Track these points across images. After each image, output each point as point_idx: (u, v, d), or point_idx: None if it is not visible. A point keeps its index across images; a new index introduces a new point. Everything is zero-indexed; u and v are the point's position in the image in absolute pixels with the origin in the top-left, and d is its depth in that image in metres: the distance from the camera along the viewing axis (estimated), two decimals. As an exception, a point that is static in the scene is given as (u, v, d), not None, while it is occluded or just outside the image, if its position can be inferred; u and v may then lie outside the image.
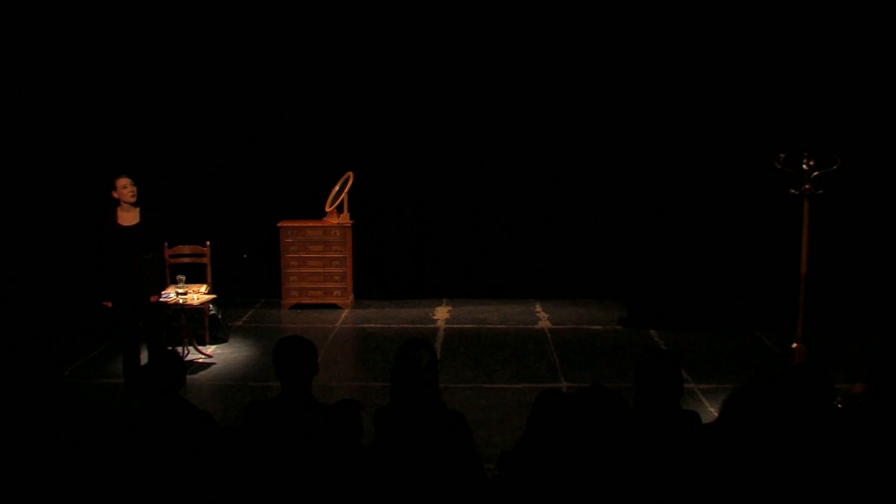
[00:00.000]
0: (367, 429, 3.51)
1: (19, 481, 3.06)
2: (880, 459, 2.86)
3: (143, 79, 8.78)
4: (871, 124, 7.83)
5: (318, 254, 8.90)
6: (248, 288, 9.23)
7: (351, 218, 9.00)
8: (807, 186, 6.30)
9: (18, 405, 3.27)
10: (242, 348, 7.51)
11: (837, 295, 7.76)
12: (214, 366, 7.02)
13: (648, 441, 3.04)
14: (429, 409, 3.32)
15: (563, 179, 9.10)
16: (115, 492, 3.12)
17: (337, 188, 8.92)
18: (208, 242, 7.77)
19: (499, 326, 8.20)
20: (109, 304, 6.09)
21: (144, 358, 6.20)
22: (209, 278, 7.69)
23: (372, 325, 8.31)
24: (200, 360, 7.11)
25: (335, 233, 8.88)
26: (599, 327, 8.16)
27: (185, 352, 7.14)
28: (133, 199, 6.06)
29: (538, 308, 8.91)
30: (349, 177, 8.87)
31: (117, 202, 6.08)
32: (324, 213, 9.00)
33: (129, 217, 6.08)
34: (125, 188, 6.03)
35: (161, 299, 6.50)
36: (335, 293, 8.94)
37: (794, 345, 6.47)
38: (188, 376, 6.39)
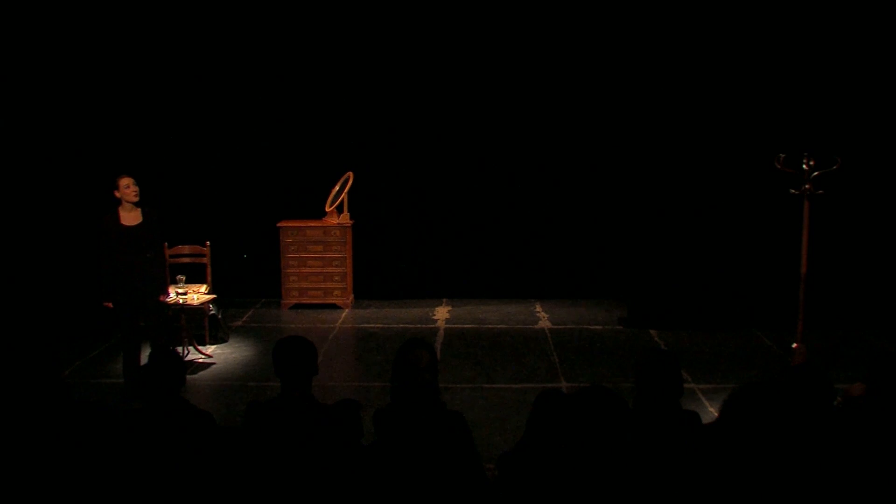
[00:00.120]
0: (367, 429, 3.51)
1: (19, 481, 3.06)
2: (880, 459, 2.86)
3: (142, 79, 8.77)
4: (871, 124, 7.83)
5: (318, 254, 8.90)
6: (248, 288, 9.23)
7: (351, 218, 9.00)
8: (807, 186, 6.30)
9: (18, 405, 3.27)
10: (242, 348, 7.51)
11: (837, 295, 7.76)
12: (214, 366, 7.02)
13: (648, 441, 3.04)
14: (429, 409, 3.32)
15: (562, 179, 9.10)
16: (115, 492, 3.12)
17: (337, 188, 8.92)
18: (208, 242, 7.78)
19: (499, 326, 8.20)
20: (110, 305, 6.08)
21: (145, 358, 6.21)
22: (209, 278, 7.69)
23: (372, 325, 8.31)
24: (200, 360, 7.11)
25: (335, 233, 8.88)
26: (599, 327, 8.16)
27: (185, 352, 7.14)
28: (136, 199, 6.06)
29: (538, 308, 8.91)
30: (349, 177, 8.87)
31: (118, 202, 6.07)
32: (324, 213, 9.00)
33: (131, 217, 6.07)
34: (128, 188, 6.03)
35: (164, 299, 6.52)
36: (335, 293, 8.94)
37: (794, 345, 6.47)
38: (188, 376, 6.40)
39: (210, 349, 7.39)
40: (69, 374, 6.70)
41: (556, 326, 8.18)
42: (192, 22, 8.75)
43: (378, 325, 8.29)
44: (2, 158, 7.72)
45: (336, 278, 8.93)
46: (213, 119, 9.03)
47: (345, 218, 8.96)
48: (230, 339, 7.70)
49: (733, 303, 7.98)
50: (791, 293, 6.67)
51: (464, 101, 8.98)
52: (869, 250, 7.92)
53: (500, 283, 9.29)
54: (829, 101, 7.82)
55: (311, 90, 9.03)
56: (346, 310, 8.87)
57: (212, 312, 7.48)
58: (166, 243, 7.31)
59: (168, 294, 6.64)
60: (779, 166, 6.41)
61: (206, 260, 7.75)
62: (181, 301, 6.91)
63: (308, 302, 8.93)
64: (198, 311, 7.24)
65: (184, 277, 7.16)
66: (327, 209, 8.95)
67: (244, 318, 8.56)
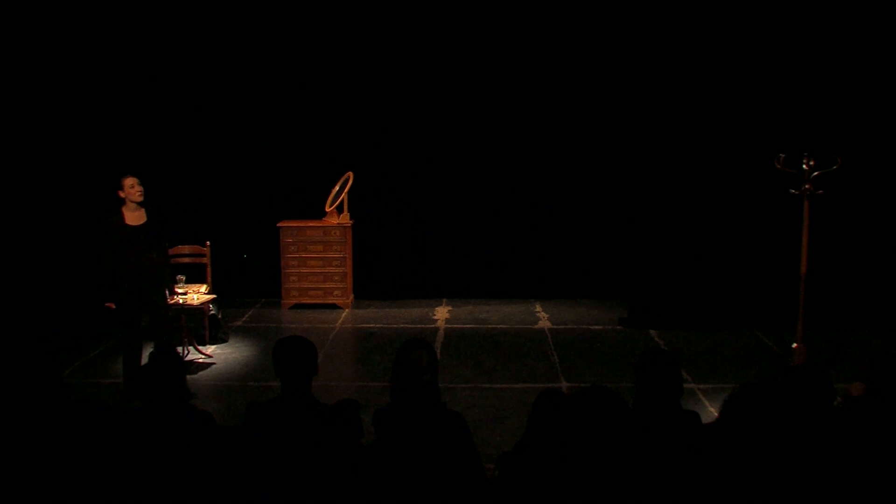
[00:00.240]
0: (367, 429, 3.51)
1: (19, 481, 3.06)
2: (880, 459, 2.86)
3: (142, 79, 8.78)
4: (871, 124, 7.83)
5: (318, 254, 8.90)
6: (248, 288, 9.23)
7: (351, 218, 9.00)
8: (807, 186, 6.30)
9: (18, 405, 3.27)
10: (242, 348, 7.51)
11: (837, 295, 7.76)
12: (214, 366, 7.02)
13: (648, 441, 3.04)
14: (429, 409, 3.32)
15: (562, 179, 9.10)
16: (114, 492, 3.12)
17: (337, 188, 8.92)
18: (208, 242, 7.77)
19: (499, 326, 8.20)
20: (113, 306, 6.05)
21: (146, 359, 6.20)
22: (209, 278, 7.68)
23: (372, 325, 8.31)
24: (200, 360, 7.11)
25: (335, 233, 8.88)
26: (599, 327, 8.16)
27: (185, 352, 7.14)
28: (141, 199, 6.04)
29: (538, 308, 8.90)
30: (349, 177, 8.87)
31: (122, 202, 6.05)
32: (324, 213, 9.00)
33: (135, 216, 6.06)
34: (133, 188, 6.01)
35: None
36: (335, 293, 8.94)
37: (794, 345, 6.47)
38: (188, 376, 6.39)
39: (210, 349, 7.39)
40: (69, 374, 6.70)
41: (556, 326, 8.18)
42: (192, 22, 8.75)
43: (378, 325, 8.29)
44: (1, 159, 7.72)
45: (336, 278, 8.93)
46: (213, 119, 9.03)
47: (345, 218, 8.96)
48: (230, 339, 7.70)
49: (733, 303, 7.98)
50: (791, 293, 6.67)
51: (464, 101, 8.98)
52: (869, 250, 7.92)
53: (500, 283, 9.29)
54: (829, 101, 7.82)
55: (310, 90, 9.03)
56: (346, 310, 8.87)
57: (212, 312, 7.47)
58: (167, 243, 7.31)
59: (174, 294, 6.65)
60: (779, 166, 6.41)
61: (206, 260, 7.74)
62: (181, 301, 6.91)
63: (308, 302, 8.92)
64: (198, 311, 7.24)
65: (184, 277, 7.15)
66: (327, 209, 8.95)
67: (244, 318, 8.56)
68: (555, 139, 9.02)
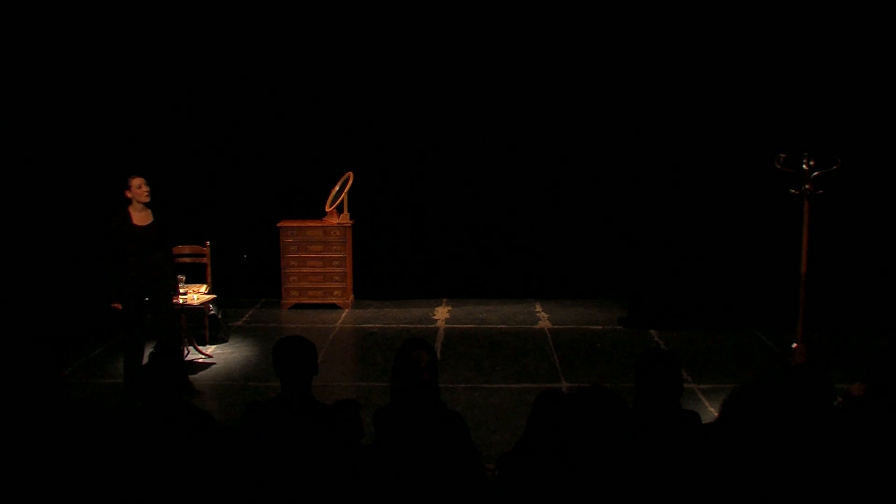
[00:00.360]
0: (367, 429, 3.51)
1: (19, 481, 3.06)
2: (880, 459, 2.86)
3: (142, 79, 8.77)
4: (871, 124, 7.83)
5: (318, 254, 8.90)
6: (248, 288, 9.23)
7: (351, 218, 9.00)
8: (807, 186, 6.30)
9: (18, 405, 3.27)
10: (242, 348, 7.51)
11: (837, 295, 7.76)
12: (214, 366, 7.02)
13: (648, 441, 3.04)
14: (429, 409, 3.32)
15: (562, 179, 9.10)
16: (114, 492, 3.12)
17: (337, 188, 8.92)
18: (208, 242, 7.77)
19: (499, 326, 8.20)
20: (119, 306, 6.02)
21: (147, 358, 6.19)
22: (209, 278, 7.68)
23: (372, 325, 8.31)
24: (200, 360, 7.11)
25: (335, 233, 8.88)
26: (599, 327, 8.16)
27: (185, 352, 7.13)
28: (148, 199, 6.04)
29: (538, 308, 8.90)
30: (349, 177, 8.87)
31: (128, 202, 6.04)
32: (324, 213, 9.00)
33: (142, 216, 6.05)
34: (140, 188, 6.01)
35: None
36: (335, 293, 8.94)
37: (794, 345, 6.47)
38: (189, 376, 6.38)
39: (210, 349, 7.39)
40: (69, 374, 6.70)
41: (556, 326, 8.18)
42: (192, 22, 8.74)
43: (378, 325, 8.29)
44: (1, 159, 7.72)
45: (336, 278, 8.93)
46: (213, 119, 9.02)
47: (345, 218, 8.96)
48: (230, 339, 7.70)
49: (733, 303, 7.98)
50: (791, 293, 6.67)
51: (464, 101, 8.98)
52: (869, 250, 7.91)
53: (500, 283, 9.29)
54: (829, 101, 7.81)
55: (310, 90, 9.02)
56: (346, 310, 8.87)
57: (212, 312, 7.48)
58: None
59: (179, 294, 6.67)
60: (779, 166, 6.41)
61: (206, 260, 7.75)
62: (181, 301, 6.91)
63: (308, 302, 8.92)
64: (198, 311, 7.24)
65: (184, 277, 7.15)
66: (327, 209, 8.95)
67: (244, 318, 8.55)
68: (555, 139, 9.01)
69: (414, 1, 8.75)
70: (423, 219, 9.24)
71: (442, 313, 8.71)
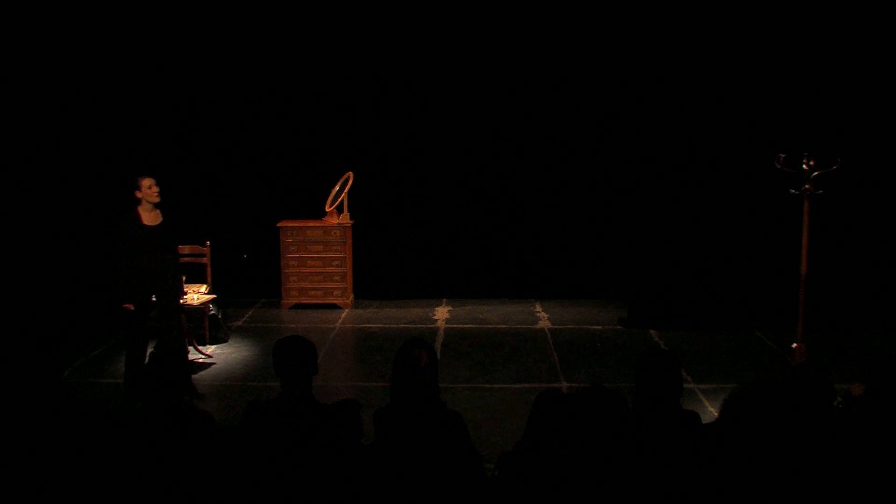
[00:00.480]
0: (367, 429, 3.51)
1: (19, 481, 3.06)
2: (880, 459, 2.86)
3: (142, 79, 8.77)
4: (871, 124, 7.83)
5: (318, 254, 8.90)
6: (248, 288, 9.23)
7: (351, 218, 9.00)
8: (807, 186, 6.30)
9: (18, 405, 3.27)
10: (242, 348, 7.51)
11: (837, 295, 7.76)
12: (214, 366, 7.02)
13: (648, 441, 3.04)
14: (428, 409, 3.32)
15: (563, 179, 9.10)
16: (115, 492, 3.12)
17: (337, 188, 8.92)
18: (208, 242, 7.77)
19: (499, 326, 8.20)
20: (132, 307, 6.00)
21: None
22: (209, 278, 7.68)
23: (372, 325, 8.31)
24: (200, 360, 7.11)
25: (335, 233, 8.88)
26: (599, 327, 8.16)
27: (186, 352, 7.13)
28: (158, 199, 6.04)
29: (538, 308, 8.90)
30: (349, 177, 8.87)
31: (137, 202, 6.04)
32: (324, 213, 9.00)
33: (151, 217, 6.05)
34: (150, 188, 6.01)
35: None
36: (335, 293, 8.94)
37: (794, 345, 6.48)
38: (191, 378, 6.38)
39: (210, 349, 7.39)
40: (69, 374, 6.70)
41: (556, 326, 8.18)
42: (192, 23, 8.74)
43: (378, 325, 8.29)
44: (2, 159, 7.72)
45: (336, 278, 8.93)
46: (213, 119, 9.03)
47: (345, 218, 8.96)
48: (230, 339, 7.70)
49: (733, 303, 7.98)
50: (791, 293, 6.67)
51: (464, 101, 8.98)
52: (869, 250, 7.92)
53: (500, 283, 9.29)
54: (829, 101, 7.81)
55: (310, 91, 9.02)
56: (346, 310, 8.87)
57: (212, 312, 7.48)
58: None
59: (184, 294, 6.68)
60: (779, 166, 6.41)
61: (206, 260, 7.74)
62: (181, 301, 6.90)
63: (308, 302, 8.92)
64: (198, 311, 7.25)
65: (184, 277, 7.15)
66: (327, 209, 8.95)
67: (244, 318, 8.55)
68: (555, 139, 9.01)
69: (414, 1, 8.75)
70: (422, 219, 9.24)
71: (442, 313, 8.71)
